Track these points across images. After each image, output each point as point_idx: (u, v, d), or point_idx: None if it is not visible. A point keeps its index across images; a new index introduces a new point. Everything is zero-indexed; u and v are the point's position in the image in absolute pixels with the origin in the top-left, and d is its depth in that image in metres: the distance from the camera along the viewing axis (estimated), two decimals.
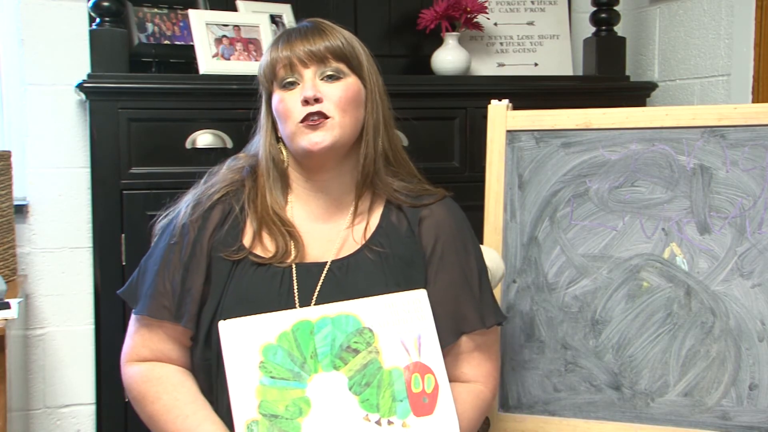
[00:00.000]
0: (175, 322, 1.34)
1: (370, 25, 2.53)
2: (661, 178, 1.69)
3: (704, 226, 1.66)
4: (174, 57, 2.35)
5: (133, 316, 1.39)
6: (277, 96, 1.36)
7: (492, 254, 1.61)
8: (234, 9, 2.37)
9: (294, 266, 1.35)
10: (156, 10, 2.37)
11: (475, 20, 2.52)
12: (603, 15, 2.56)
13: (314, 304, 1.32)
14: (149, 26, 2.34)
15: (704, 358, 1.64)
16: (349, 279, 1.35)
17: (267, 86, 1.39)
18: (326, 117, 1.32)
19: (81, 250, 2.42)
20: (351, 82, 1.36)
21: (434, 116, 2.34)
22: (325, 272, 1.35)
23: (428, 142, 2.30)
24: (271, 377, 1.20)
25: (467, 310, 1.39)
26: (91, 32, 2.17)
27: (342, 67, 1.35)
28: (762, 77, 2.28)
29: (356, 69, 1.37)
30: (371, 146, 1.38)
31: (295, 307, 1.32)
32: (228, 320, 1.22)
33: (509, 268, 1.76)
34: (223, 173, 1.43)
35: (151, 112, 2.14)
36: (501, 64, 2.65)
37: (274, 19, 2.39)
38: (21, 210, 2.36)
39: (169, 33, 2.37)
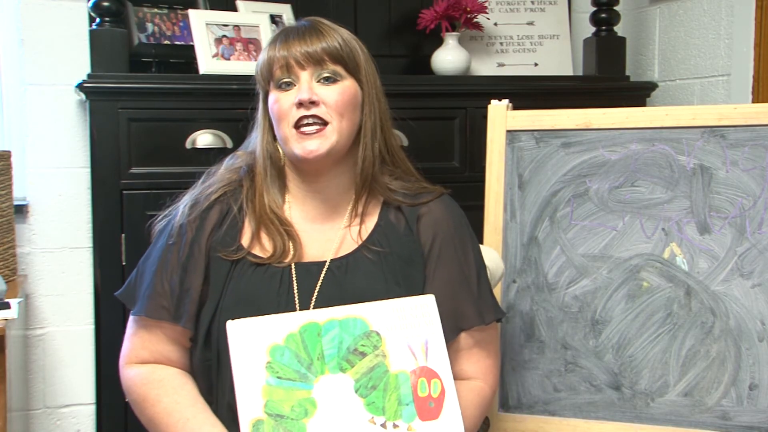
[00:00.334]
0: (174, 322, 1.33)
1: (370, 25, 2.53)
2: (661, 178, 1.69)
3: (704, 226, 1.66)
4: (174, 57, 2.35)
5: (131, 318, 1.38)
6: (273, 96, 1.35)
7: (491, 254, 1.62)
8: (234, 9, 2.37)
9: (293, 266, 1.35)
10: (156, 10, 2.37)
11: (475, 20, 2.52)
12: (603, 15, 2.56)
13: (314, 304, 1.32)
14: (149, 26, 2.34)
15: (704, 358, 1.64)
16: (348, 278, 1.35)
17: (263, 85, 1.38)
18: (324, 123, 1.32)
19: (81, 250, 2.42)
20: (348, 84, 1.35)
21: (434, 116, 2.34)
22: (324, 272, 1.35)
23: (428, 142, 2.30)
24: (278, 377, 1.19)
25: (466, 307, 1.39)
26: (91, 32, 2.17)
27: (339, 69, 1.34)
28: (762, 77, 2.28)
29: (353, 71, 1.36)
30: (369, 149, 1.38)
31: (295, 307, 1.32)
32: (236, 320, 1.21)
33: (509, 268, 1.76)
34: (220, 173, 1.43)
35: (151, 112, 2.14)
36: (501, 64, 2.65)
37: (274, 19, 2.39)
38: (21, 210, 2.36)
39: (169, 33, 2.37)
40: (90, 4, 2.17)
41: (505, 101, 1.81)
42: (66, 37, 2.37)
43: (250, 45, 2.27)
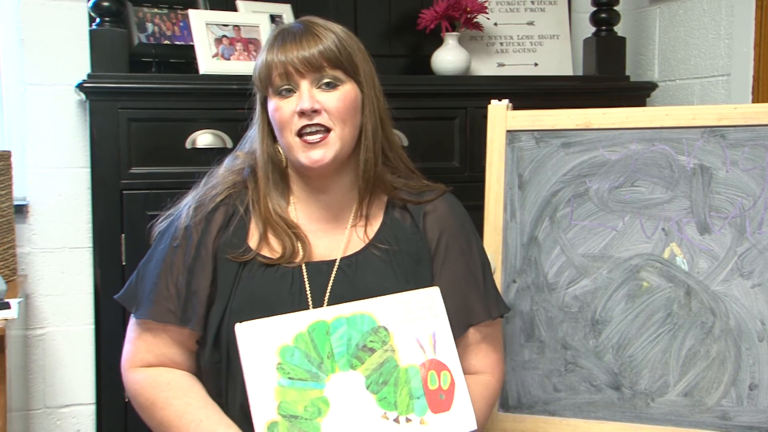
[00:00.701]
0: (181, 325, 1.32)
1: (370, 25, 2.53)
2: (661, 178, 1.69)
3: (704, 226, 1.66)
4: (174, 57, 2.35)
5: (133, 321, 1.37)
6: (273, 103, 1.34)
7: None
8: (234, 9, 2.37)
9: (303, 265, 1.35)
10: (156, 10, 2.37)
11: (475, 20, 2.52)
12: (603, 15, 2.56)
13: (327, 303, 1.32)
14: (149, 26, 2.34)
15: (704, 358, 1.64)
16: (359, 276, 1.35)
17: (261, 89, 1.37)
18: (327, 130, 1.31)
19: (81, 250, 2.42)
20: (348, 89, 1.34)
21: (434, 116, 2.34)
22: (335, 270, 1.35)
23: (428, 142, 2.30)
24: (289, 378, 1.19)
25: (473, 303, 1.41)
26: (91, 32, 2.17)
27: (338, 74, 1.33)
28: (762, 77, 2.28)
29: (352, 73, 1.35)
30: (371, 150, 1.37)
31: (308, 306, 1.32)
32: (244, 323, 1.21)
33: (509, 268, 1.76)
34: (223, 175, 1.42)
35: (151, 112, 2.14)
36: (501, 64, 2.65)
37: (274, 19, 2.39)
38: (21, 210, 2.36)
39: (169, 33, 2.37)
40: (90, 4, 2.17)
41: (505, 101, 1.81)
42: (66, 37, 2.38)
43: (250, 45, 2.27)
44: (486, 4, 2.55)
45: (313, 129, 1.31)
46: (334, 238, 1.39)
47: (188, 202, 1.40)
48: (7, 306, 1.91)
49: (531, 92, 2.43)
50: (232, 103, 2.13)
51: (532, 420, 1.73)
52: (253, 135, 1.43)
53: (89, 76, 2.12)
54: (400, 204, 1.43)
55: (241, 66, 2.22)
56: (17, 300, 1.97)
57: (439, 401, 1.24)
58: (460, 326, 1.38)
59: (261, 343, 1.20)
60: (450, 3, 2.44)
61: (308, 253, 1.36)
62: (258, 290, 1.33)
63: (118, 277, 2.13)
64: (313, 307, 1.32)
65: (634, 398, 1.68)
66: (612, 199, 1.72)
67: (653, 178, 1.70)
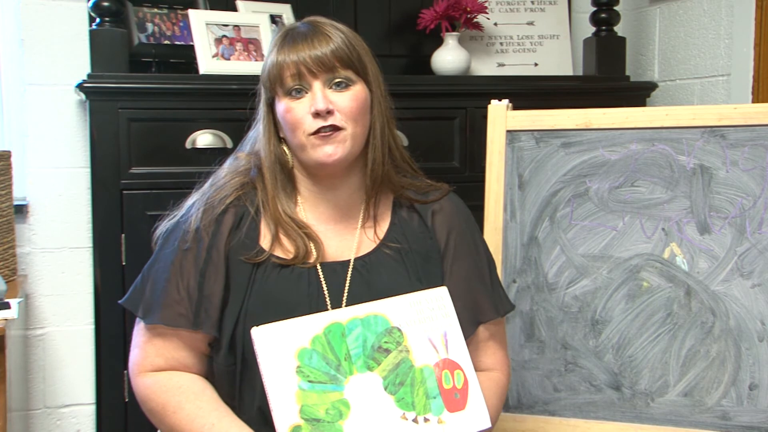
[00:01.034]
0: (193, 329, 1.31)
1: (370, 25, 2.53)
2: (661, 178, 1.69)
3: (704, 226, 1.66)
4: (174, 57, 2.35)
5: (141, 326, 1.35)
6: (284, 104, 1.33)
7: None
8: (234, 9, 2.37)
9: (319, 266, 1.35)
10: (156, 10, 2.37)
11: (475, 20, 2.52)
12: (603, 15, 2.56)
13: (345, 303, 1.32)
14: (149, 26, 2.34)
15: (704, 358, 1.64)
16: (373, 276, 1.36)
17: (270, 89, 1.36)
18: (339, 129, 1.31)
19: (81, 250, 2.42)
20: (359, 89, 1.34)
21: (434, 116, 2.34)
22: (350, 271, 1.36)
23: (428, 142, 2.30)
24: (309, 381, 1.19)
25: (482, 301, 1.42)
26: (91, 32, 2.17)
27: (349, 74, 1.33)
28: (762, 77, 2.28)
29: (362, 73, 1.35)
30: (379, 150, 1.38)
31: (327, 307, 1.32)
32: (261, 326, 1.20)
33: (509, 268, 1.76)
34: (228, 176, 1.40)
35: (151, 112, 2.14)
36: (501, 64, 2.65)
37: (274, 19, 2.39)
38: (21, 210, 2.36)
39: (169, 33, 2.37)
40: (90, 4, 2.17)
41: (505, 101, 1.81)
42: (66, 37, 2.38)
43: (250, 45, 2.27)
44: (486, 4, 2.55)
45: (327, 130, 1.31)
46: (344, 238, 1.39)
47: (194, 204, 1.38)
48: (7, 306, 1.91)
49: (531, 92, 2.43)
50: (232, 103, 2.14)
51: (532, 420, 1.73)
52: (256, 135, 1.42)
53: (89, 76, 2.12)
54: (406, 203, 1.44)
55: (241, 66, 2.22)
56: (17, 300, 1.97)
57: (455, 400, 1.25)
58: (471, 324, 1.40)
59: (279, 346, 1.19)
60: (450, 3, 2.44)
61: (321, 254, 1.36)
62: (274, 291, 1.32)
63: (118, 277, 2.13)
64: (332, 308, 1.32)
65: (634, 398, 1.68)
66: (612, 199, 1.72)
67: (653, 178, 1.70)
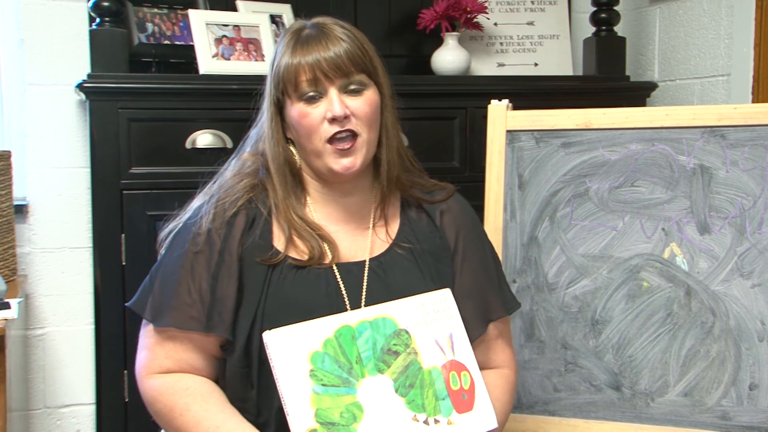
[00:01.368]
0: (206, 332, 1.30)
1: (370, 25, 2.53)
2: (661, 178, 1.69)
3: (704, 226, 1.66)
4: (174, 57, 2.35)
5: (150, 328, 1.34)
6: (298, 109, 1.31)
7: None
8: (234, 9, 2.37)
9: (335, 266, 1.34)
10: (156, 10, 2.37)
11: (475, 20, 2.52)
12: (603, 15, 2.56)
13: (364, 303, 1.33)
14: (149, 26, 2.34)
15: (704, 358, 1.64)
16: (389, 276, 1.36)
17: (281, 91, 1.34)
18: (355, 135, 1.31)
19: (81, 250, 2.42)
20: (372, 93, 1.34)
21: (434, 116, 2.34)
22: (366, 271, 1.36)
23: (428, 142, 2.30)
24: (323, 385, 1.19)
25: (492, 299, 1.43)
26: (91, 32, 2.17)
27: (363, 78, 1.32)
28: (762, 77, 2.28)
29: (374, 76, 1.35)
30: (393, 152, 1.38)
31: (346, 307, 1.32)
32: (273, 330, 1.20)
33: (509, 268, 1.76)
34: (237, 177, 1.39)
35: (151, 112, 2.14)
36: (501, 64, 2.65)
37: (274, 19, 2.39)
38: (21, 210, 2.36)
39: (169, 33, 2.37)
40: (90, 4, 2.17)
41: (505, 101, 1.81)
42: (66, 37, 2.38)
43: (250, 45, 2.27)
44: (486, 4, 2.55)
45: (344, 135, 1.30)
46: (356, 238, 1.39)
47: (202, 206, 1.36)
48: (7, 306, 1.91)
49: (531, 92, 2.43)
50: (232, 103, 2.14)
51: (532, 420, 1.73)
52: (260, 136, 1.41)
53: (89, 76, 2.12)
54: (414, 203, 1.44)
55: (241, 66, 2.22)
56: (17, 300, 1.97)
57: (463, 401, 1.26)
58: (481, 323, 1.41)
59: (292, 350, 1.20)
60: (450, 3, 2.44)
61: (336, 255, 1.35)
62: (292, 293, 1.31)
63: (118, 277, 2.13)
64: (350, 309, 1.32)
65: (634, 398, 1.68)
66: (612, 199, 1.72)
67: (653, 178, 1.70)
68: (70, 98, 2.38)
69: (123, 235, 2.12)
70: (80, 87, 2.12)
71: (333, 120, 1.29)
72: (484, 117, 1.83)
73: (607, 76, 2.54)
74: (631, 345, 1.69)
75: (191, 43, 2.23)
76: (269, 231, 1.35)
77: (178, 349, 1.32)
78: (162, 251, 1.39)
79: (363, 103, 1.32)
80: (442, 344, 1.28)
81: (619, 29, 2.61)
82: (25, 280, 2.37)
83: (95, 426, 2.34)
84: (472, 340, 1.34)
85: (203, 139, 2.16)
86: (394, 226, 1.41)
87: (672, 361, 1.66)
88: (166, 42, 2.35)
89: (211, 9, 2.37)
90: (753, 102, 2.29)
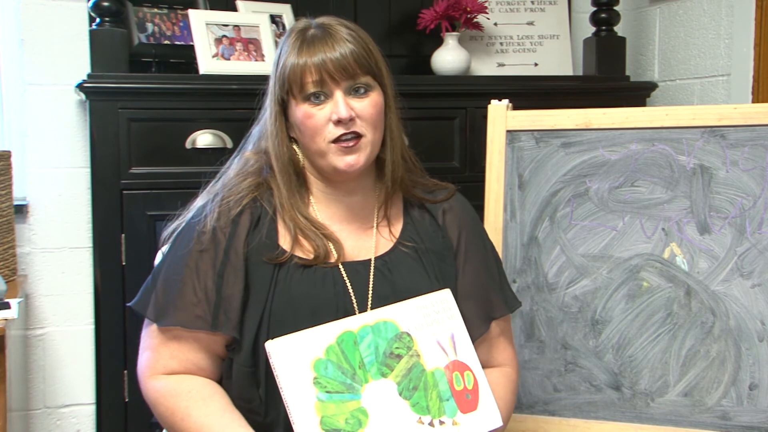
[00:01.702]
0: (212, 331, 1.29)
1: (370, 25, 2.50)
2: (661, 178, 1.69)
3: (704, 226, 1.66)
4: (174, 57, 2.35)
5: (153, 328, 1.33)
6: (303, 110, 1.31)
7: None
8: (234, 9, 2.37)
9: (341, 265, 1.34)
10: (156, 10, 2.37)
11: (475, 20, 2.52)
12: (603, 15, 2.56)
13: (371, 303, 1.33)
14: (149, 26, 2.34)
15: (704, 358, 1.64)
16: (395, 275, 1.36)
17: (286, 91, 1.33)
18: (359, 136, 1.31)
19: (81, 250, 2.42)
20: (376, 94, 1.34)
21: (434, 116, 2.34)
22: (372, 270, 1.36)
23: (428, 142, 2.30)
24: (327, 392, 1.19)
25: (494, 297, 1.44)
26: (91, 32, 2.17)
27: (368, 80, 1.32)
28: (762, 77, 2.28)
29: (379, 77, 1.35)
30: (397, 152, 1.38)
31: (353, 306, 1.32)
32: (275, 339, 1.20)
33: (509, 268, 1.76)
34: (241, 175, 1.38)
35: (151, 112, 2.14)
36: (501, 64, 2.65)
37: (274, 19, 2.39)
38: (21, 210, 2.36)
39: (169, 33, 2.37)
40: (90, 4, 2.17)
41: (505, 101, 1.81)
42: (66, 37, 2.37)
43: (250, 45, 2.27)
44: (486, 4, 2.55)
45: (349, 136, 1.31)
46: (360, 238, 1.39)
47: (206, 204, 1.36)
48: (7, 306, 1.91)
49: (531, 92, 2.43)
50: (232, 103, 2.14)
51: (532, 420, 1.73)
52: (262, 133, 1.40)
53: (89, 76, 2.12)
54: (417, 203, 1.45)
55: (241, 66, 2.22)
56: (17, 300, 1.97)
57: (467, 401, 1.26)
58: (484, 321, 1.41)
59: (295, 358, 1.20)
60: (450, 3, 2.44)
61: (341, 254, 1.35)
62: (299, 292, 1.31)
63: (118, 277, 2.13)
64: (358, 308, 1.32)
65: (634, 398, 1.68)
66: (612, 199, 1.72)
67: (653, 178, 1.70)
68: (70, 98, 2.38)
69: (123, 235, 2.12)
70: (80, 87, 2.12)
71: (338, 122, 1.29)
72: (484, 117, 1.83)
73: (607, 76, 2.54)
74: (631, 345, 1.69)
75: (191, 43, 2.23)
76: (275, 230, 1.35)
77: (183, 348, 1.31)
78: (165, 250, 1.39)
79: (368, 105, 1.32)
80: (444, 345, 1.28)
81: (619, 29, 2.61)
82: (25, 280, 2.37)
83: (95, 426, 2.34)
84: (474, 338, 1.34)
85: (203, 139, 2.16)
86: (398, 226, 1.42)
87: (672, 361, 1.66)
88: (166, 42, 2.35)
89: (211, 9, 2.37)
90: (753, 102, 2.29)
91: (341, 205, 1.39)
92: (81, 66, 2.33)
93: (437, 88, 2.39)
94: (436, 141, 2.33)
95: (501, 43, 2.66)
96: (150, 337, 1.34)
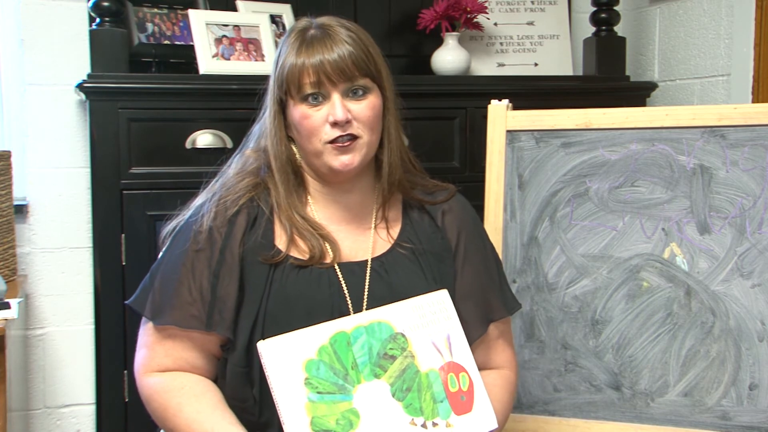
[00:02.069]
0: (207, 331, 1.30)
1: (370, 25, 2.49)
2: (661, 178, 1.69)
3: (704, 226, 1.66)
4: (174, 57, 2.35)
5: (149, 326, 1.34)
6: (300, 111, 1.31)
7: None
8: (234, 9, 2.37)
9: (337, 266, 1.34)
10: (156, 10, 2.37)
11: (475, 20, 2.52)
12: (603, 15, 2.56)
13: (366, 304, 1.32)
14: (149, 26, 2.34)
15: (704, 358, 1.64)
16: (391, 276, 1.36)
17: (284, 91, 1.33)
18: (355, 137, 1.31)
19: (81, 250, 2.42)
20: (374, 97, 1.33)
21: (434, 116, 2.34)
22: (368, 271, 1.36)
23: (428, 142, 2.30)
24: (318, 392, 1.19)
25: (493, 299, 1.43)
26: (91, 32, 2.17)
27: (367, 82, 1.32)
28: (762, 77, 2.28)
29: (378, 80, 1.34)
30: (395, 154, 1.38)
31: (348, 307, 1.32)
32: (267, 340, 1.20)
33: (509, 268, 1.76)
34: (240, 175, 1.39)
35: (151, 112, 2.14)
36: (501, 64, 2.65)
37: (274, 19, 2.39)
38: (21, 210, 2.36)
39: (169, 33, 2.37)
40: (90, 4, 2.17)
41: (505, 101, 1.81)
42: (66, 37, 2.38)
43: (250, 45, 2.27)
44: (486, 4, 2.55)
45: (345, 139, 1.31)
46: (357, 238, 1.39)
47: (204, 204, 1.36)
48: (7, 306, 1.91)
49: (531, 92, 2.43)
50: (232, 103, 2.14)
51: (532, 420, 1.73)
52: (262, 131, 1.41)
53: (89, 76, 2.12)
54: (416, 204, 1.44)
55: (241, 66, 2.22)
56: (17, 300, 1.97)
57: (461, 403, 1.26)
58: (482, 323, 1.41)
59: (286, 358, 1.19)
60: (450, 3, 2.44)
61: (338, 254, 1.35)
62: (294, 292, 1.31)
63: (118, 277, 2.13)
64: (353, 308, 1.32)
65: (634, 398, 1.68)
66: (612, 199, 1.72)
67: (653, 178, 1.70)
68: (70, 98, 2.38)
69: (123, 235, 2.12)
70: (80, 87, 2.12)
71: (335, 124, 1.29)
72: (484, 117, 1.83)
73: (607, 76, 2.54)
74: (631, 345, 1.69)
75: (191, 43, 2.23)
76: (271, 230, 1.35)
77: (177, 347, 1.32)
78: (163, 249, 1.39)
79: (365, 108, 1.32)
80: (440, 346, 1.27)
81: (619, 29, 2.61)
82: (25, 280, 2.37)
83: (95, 426, 2.34)
84: (472, 340, 1.34)
85: (203, 139, 2.16)
86: (396, 227, 1.42)
87: (672, 361, 1.66)
88: (166, 42, 2.35)
89: (211, 9, 2.37)
90: (753, 102, 2.29)
91: (339, 205, 1.39)
92: (81, 66, 2.33)
93: (437, 88, 2.39)
94: (436, 141, 2.33)
95: (501, 43, 2.66)
96: (146, 334, 1.35)
